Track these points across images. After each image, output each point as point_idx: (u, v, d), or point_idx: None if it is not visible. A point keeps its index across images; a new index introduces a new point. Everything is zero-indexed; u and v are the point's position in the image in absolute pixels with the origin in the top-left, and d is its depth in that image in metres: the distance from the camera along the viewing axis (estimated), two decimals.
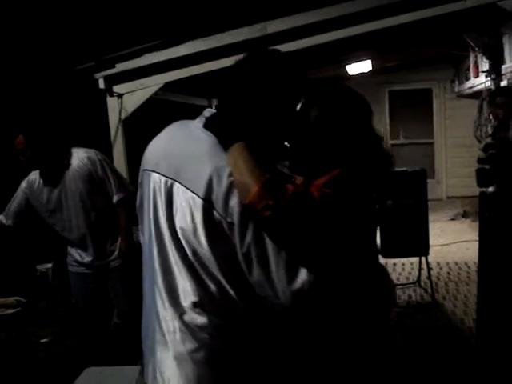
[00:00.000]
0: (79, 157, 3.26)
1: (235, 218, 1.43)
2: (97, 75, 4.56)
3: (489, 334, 3.50)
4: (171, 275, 1.52)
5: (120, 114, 4.64)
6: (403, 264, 6.30)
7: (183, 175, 1.50)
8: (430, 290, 5.27)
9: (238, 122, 1.54)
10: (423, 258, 5.27)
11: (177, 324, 1.51)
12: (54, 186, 3.28)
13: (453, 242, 7.29)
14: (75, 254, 3.46)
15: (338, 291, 1.54)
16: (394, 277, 5.99)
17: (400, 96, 10.67)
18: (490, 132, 4.82)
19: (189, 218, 1.47)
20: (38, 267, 3.40)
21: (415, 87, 10.48)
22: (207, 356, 1.50)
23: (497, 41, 6.64)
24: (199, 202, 1.45)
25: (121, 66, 4.51)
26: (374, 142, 1.72)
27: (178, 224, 1.51)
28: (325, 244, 1.48)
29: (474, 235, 3.36)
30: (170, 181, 1.52)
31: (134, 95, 4.65)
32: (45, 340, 3.07)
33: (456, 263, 6.37)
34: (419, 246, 4.94)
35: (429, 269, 5.26)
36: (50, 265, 3.49)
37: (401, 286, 5.61)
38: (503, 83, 6.38)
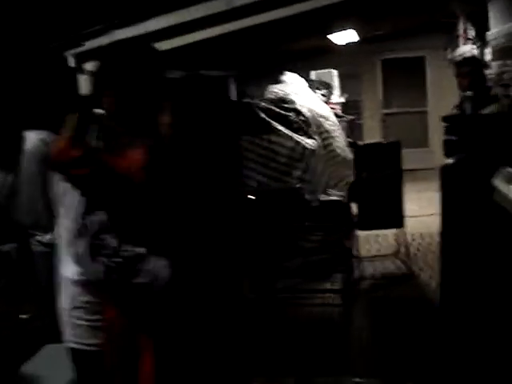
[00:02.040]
0: (32, 140, 3.26)
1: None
2: (66, 53, 4.56)
3: (452, 301, 3.53)
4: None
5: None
6: (386, 235, 6.29)
7: None
8: (407, 262, 5.28)
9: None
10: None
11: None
12: (9, 171, 3.28)
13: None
14: (37, 234, 3.48)
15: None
16: (374, 248, 6.00)
17: (393, 65, 10.54)
18: None
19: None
20: (1, 247, 3.46)
21: (408, 55, 10.34)
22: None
23: (482, 8, 6.52)
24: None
25: (89, 44, 4.50)
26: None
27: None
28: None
29: None
30: None
31: None
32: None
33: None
34: (393, 218, 4.93)
35: (406, 240, 5.27)
36: (13, 245, 3.54)
37: (380, 258, 5.63)
38: (488, 50, 6.30)
